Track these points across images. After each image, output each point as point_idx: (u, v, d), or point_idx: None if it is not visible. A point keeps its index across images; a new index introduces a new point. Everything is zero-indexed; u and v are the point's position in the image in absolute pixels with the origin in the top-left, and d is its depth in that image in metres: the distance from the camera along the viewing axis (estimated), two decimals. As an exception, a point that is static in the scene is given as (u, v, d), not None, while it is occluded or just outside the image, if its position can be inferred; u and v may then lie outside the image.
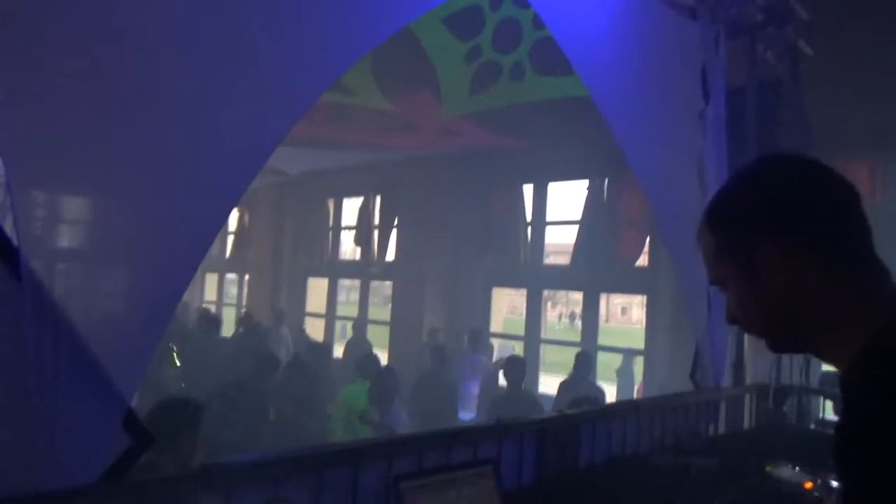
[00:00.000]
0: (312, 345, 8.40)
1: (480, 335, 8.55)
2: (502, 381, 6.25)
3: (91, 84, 1.57)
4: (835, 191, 0.96)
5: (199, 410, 2.94)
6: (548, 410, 5.01)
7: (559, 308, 34.58)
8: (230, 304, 14.78)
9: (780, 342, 1.02)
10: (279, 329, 10.04)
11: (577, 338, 9.39)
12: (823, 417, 4.23)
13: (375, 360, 6.52)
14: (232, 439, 4.26)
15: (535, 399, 6.05)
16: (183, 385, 6.83)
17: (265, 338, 9.19)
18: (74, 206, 1.63)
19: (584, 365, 6.46)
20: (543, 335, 9.98)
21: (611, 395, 7.89)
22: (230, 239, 14.17)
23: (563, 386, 6.38)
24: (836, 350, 0.92)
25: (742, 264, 0.97)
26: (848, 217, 0.95)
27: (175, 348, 7.16)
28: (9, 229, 1.44)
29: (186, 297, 9.07)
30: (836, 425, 0.85)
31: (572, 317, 34.59)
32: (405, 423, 4.72)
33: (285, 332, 10.04)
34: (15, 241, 1.42)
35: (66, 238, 1.63)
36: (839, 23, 4.35)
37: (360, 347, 9.03)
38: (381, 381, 4.84)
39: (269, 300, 12.53)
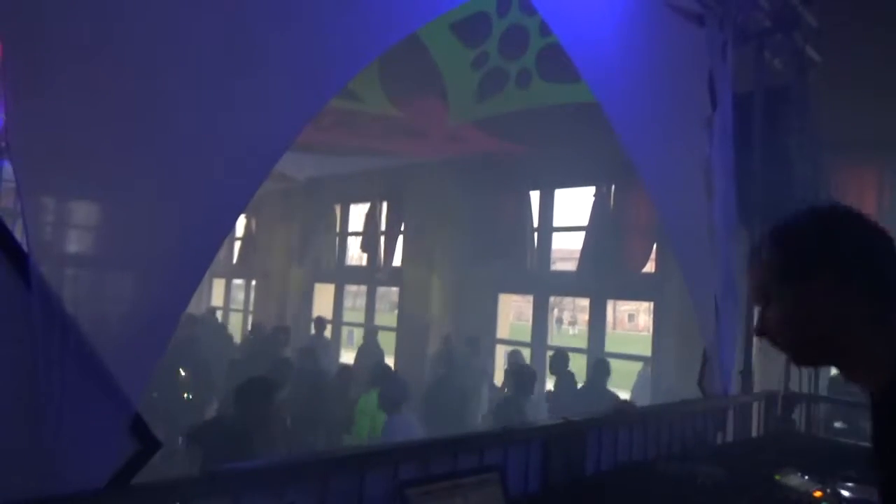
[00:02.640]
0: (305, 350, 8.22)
1: (477, 341, 8.50)
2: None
3: (99, 91, 1.58)
4: (882, 239, 1.12)
5: (272, 388, 3.84)
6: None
7: (554, 313, 34.49)
8: (237, 310, 14.82)
9: (809, 358, 1.17)
10: (322, 338, 9.94)
11: (572, 342, 9.33)
12: (833, 425, 4.20)
13: (385, 368, 6.54)
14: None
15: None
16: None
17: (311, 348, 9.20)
18: (83, 212, 1.64)
19: (601, 373, 6.33)
20: (550, 341, 9.94)
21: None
22: (237, 244, 14.21)
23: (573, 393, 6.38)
24: (865, 373, 1.08)
25: (800, 289, 1.11)
26: (890, 260, 1.10)
27: None
28: (18, 235, 1.45)
29: (193, 302, 9.09)
30: (874, 435, 1.05)
31: (559, 321, 34.44)
32: (415, 426, 4.99)
33: (327, 342, 9.95)
34: (24, 247, 1.43)
35: (74, 244, 1.64)
36: (847, 29, 4.33)
37: (371, 354, 8.99)
38: (389, 389, 5.10)
39: (276, 306, 12.55)
